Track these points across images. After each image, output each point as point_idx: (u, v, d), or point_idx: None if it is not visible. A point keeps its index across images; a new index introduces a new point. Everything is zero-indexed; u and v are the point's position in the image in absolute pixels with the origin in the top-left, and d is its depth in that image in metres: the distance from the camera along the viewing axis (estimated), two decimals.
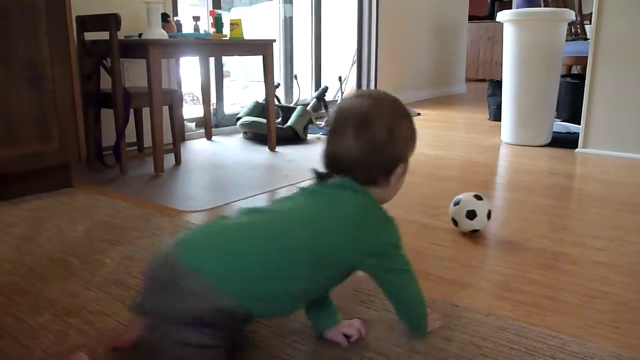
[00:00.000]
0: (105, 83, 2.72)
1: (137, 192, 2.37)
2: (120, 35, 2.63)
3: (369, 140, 1.03)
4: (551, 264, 1.63)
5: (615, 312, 1.33)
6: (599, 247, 1.76)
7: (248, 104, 3.78)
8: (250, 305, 0.93)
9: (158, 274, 0.96)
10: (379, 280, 1.08)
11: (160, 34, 2.65)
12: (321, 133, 3.83)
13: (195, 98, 4.49)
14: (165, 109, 2.84)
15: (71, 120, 2.30)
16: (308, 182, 1.12)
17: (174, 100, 2.84)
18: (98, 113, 2.81)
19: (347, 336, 1.15)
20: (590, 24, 3.16)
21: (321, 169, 1.09)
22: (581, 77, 3.75)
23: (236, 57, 4.93)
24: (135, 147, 3.05)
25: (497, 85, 4.24)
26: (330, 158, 1.07)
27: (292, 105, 3.85)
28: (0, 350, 1.13)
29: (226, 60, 4.88)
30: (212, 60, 3.77)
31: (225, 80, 4.86)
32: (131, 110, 2.90)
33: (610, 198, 2.32)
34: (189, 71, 3.73)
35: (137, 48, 2.64)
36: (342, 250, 1.00)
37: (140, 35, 2.74)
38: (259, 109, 3.65)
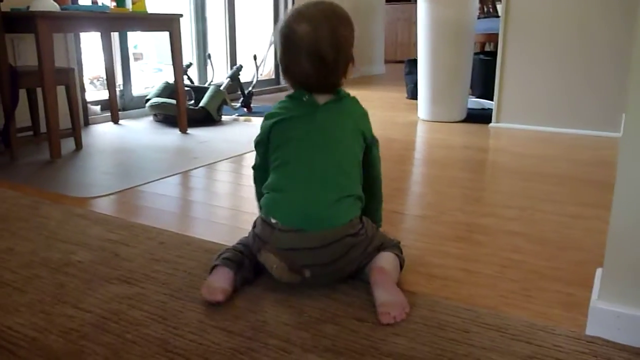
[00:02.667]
0: None
1: (28, 180, 2.15)
2: (6, 7, 2.38)
3: (337, 49, 1.19)
4: (465, 236, 1.59)
5: (527, 280, 1.30)
6: (511, 217, 1.74)
7: (158, 85, 3.57)
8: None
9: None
10: (372, 155, 1.34)
11: (51, 5, 2.41)
12: (236, 114, 3.68)
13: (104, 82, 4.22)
14: (63, 90, 2.62)
15: None
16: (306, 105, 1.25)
17: (70, 79, 2.61)
18: None
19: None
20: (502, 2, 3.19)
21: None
22: (494, 54, 3.80)
23: (149, 39, 4.68)
24: (31, 132, 2.79)
25: (413, 63, 4.23)
26: (309, 77, 1.22)
27: (205, 85, 3.68)
28: None
29: (138, 42, 4.62)
30: (117, 39, 3.53)
31: (138, 64, 4.61)
32: (23, 92, 2.66)
33: (522, 169, 2.34)
34: (97, 53, 3.47)
35: (25, 21, 2.39)
36: (366, 134, 1.31)
37: (28, 7, 2.48)
38: (169, 90, 3.45)
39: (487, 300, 1.20)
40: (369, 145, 1.32)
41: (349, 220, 1.18)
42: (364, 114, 1.32)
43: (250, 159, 2.51)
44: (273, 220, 1.17)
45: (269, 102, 4.25)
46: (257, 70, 4.07)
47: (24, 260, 1.37)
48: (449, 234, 1.60)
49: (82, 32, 3.04)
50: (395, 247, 1.29)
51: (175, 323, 1.07)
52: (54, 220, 1.66)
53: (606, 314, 1.03)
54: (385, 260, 1.22)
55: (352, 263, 1.20)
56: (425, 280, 1.30)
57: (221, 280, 1.17)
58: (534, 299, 1.21)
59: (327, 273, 1.18)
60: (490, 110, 3.36)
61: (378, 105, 4.23)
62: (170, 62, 3.04)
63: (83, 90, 3.26)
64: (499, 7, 4.36)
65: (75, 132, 2.69)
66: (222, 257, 1.22)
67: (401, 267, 1.26)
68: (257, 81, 4.11)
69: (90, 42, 3.54)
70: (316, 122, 1.23)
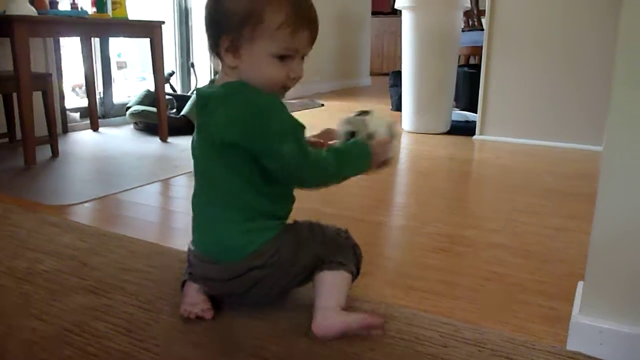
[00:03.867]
0: None
1: (1, 187, 2.09)
2: None
3: (207, 19, 1.04)
4: (447, 247, 1.56)
5: (509, 293, 1.27)
6: (494, 228, 1.72)
7: (139, 93, 3.52)
8: None
9: None
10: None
11: (28, 9, 2.36)
12: None
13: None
14: (40, 97, 2.56)
15: None
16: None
17: (48, 85, 2.55)
18: None
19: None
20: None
21: None
22: (478, 67, 3.80)
23: (133, 48, 4.63)
24: (7, 139, 2.73)
25: (398, 75, 4.22)
26: None
27: (188, 94, 3.64)
28: None
29: (122, 50, 4.57)
30: (98, 46, 3.48)
31: (122, 72, 4.55)
32: None
33: (505, 181, 2.32)
34: (79, 60, 3.41)
35: (1, 25, 2.34)
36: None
37: (4, 12, 2.43)
38: (150, 98, 3.40)
39: (467, 314, 1.17)
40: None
41: (253, 250, 1.02)
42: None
43: None
44: (191, 247, 1.11)
45: None
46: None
47: None
48: (430, 245, 1.57)
49: (60, 37, 3.00)
50: (338, 263, 1.07)
51: (141, 336, 1.02)
52: (24, 229, 1.61)
53: (588, 329, 0.99)
54: (325, 296, 1.04)
55: (272, 291, 1.07)
56: (403, 292, 1.27)
57: (194, 298, 1.09)
58: (516, 312, 1.18)
59: (249, 301, 1.10)
60: (474, 122, 3.35)
61: None
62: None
63: (62, 97, 3.20)
64: (483, 20, 4.38)
65: (52, 139, 2.63)
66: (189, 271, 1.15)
67: (354, 276, 1.10)
68: None
69: (72, 49, 3.49)
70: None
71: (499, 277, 1.35)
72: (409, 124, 3.47)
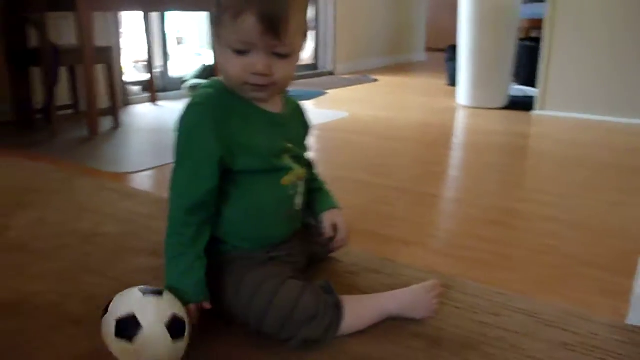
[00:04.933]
0: (34, 41, 2.51)
1: (65, 155, 2.18)
2: None
3: None
4: (499, 220, 1.53)
5: (564, 266, 1.24)
6: (549, 202, 1.67)
7: (195, 67, 3.58)
8: None
9: None
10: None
11: None
12: None
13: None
14: (103, 70, 2.64)
15: None
16: None
17: (110, 58, 2.63)
18: (26, 72, 2.60)
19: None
20: None
21: None
22: (539, 40, 3.66)
23: (191, 24, 4.70)
24: (72, 109, 2.84)
25: (455, 49, 4.13)
26: None
27: None
28: None
29: (180, 26, 4.65)
30: (157, 20, 3.56)
31: (180, 47, 4.64)
32: (64, 70, 2.71)
33: (563, 156, 2.25)
34: (139, 37, 3.50)
35: (66, 0, 2.42)
36: None
37: None
38: (207, 72, 3.46)
39: (520, 285, 1.15)
40: None
41: None
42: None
43: None
44: None
45: (308, 86, 4.22)
46: None
47: (53, 230, 1.38)
48: (483, 217, 1.55)
49: (121, 10, 3.07)
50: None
51: None
52: (86, 194, 1.68)
53: None
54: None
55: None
56: (455, 262, 1.26)
57: None
58: (571, 285, 1.15)
59: None
60: (533, 97, 3.24)
61: (417, 91, 4.14)
62: (210, 47, 3.04)
63: (122, 70, 3.29)
64: None
65: (114, 111, 2.72)
66: None
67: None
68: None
69: (131, 25, 3.58)
70: None
71: (554, 250, 1.32)
72: (465, 97, 3.39)
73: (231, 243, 0.96)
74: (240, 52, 0.85)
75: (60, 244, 1.30)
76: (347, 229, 1.13)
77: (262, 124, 0.95)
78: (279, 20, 0.82)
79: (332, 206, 1.14)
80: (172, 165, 0.91)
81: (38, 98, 2.63)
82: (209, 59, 3.55)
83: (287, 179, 0.98)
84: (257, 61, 0.85)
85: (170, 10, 3.04)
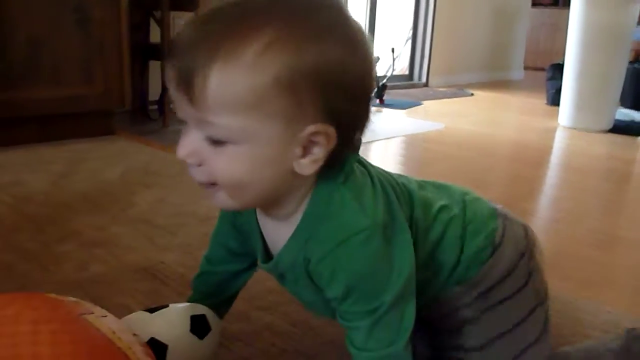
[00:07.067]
0: (156, 36, 2.70)
1: (175, 144, 2.34)
2: None
3: None
4: (602, 244, 1.50)
5: None
6: None
7: None
8: None
9: None
10: None
11: None
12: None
13: None
14: None
15: (117, 68, 2.28)
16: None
17: None
18: (146, 65, 2.80)
19: None
20: None
21: None
22: None
23: None
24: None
25: (557, 68, 4.03)
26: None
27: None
28: (23, 272, 1.11)
29: None
30: None
31: None
32: None
33: None
34: None
35: (188, 0, 2.59)
36: None
37: None
38: None
39: (628, 306, 1.13)
40: None
41: None
42: None
43: (380, 148, 2.54)
44: None
45: (402, 96, 4.25)
46: (393, 64, 4.08)
47: (174, 210, 1.50)
48: (584, 239, 1.53)
49: None
50: None
51: None
52: None
53: None
54: None
55: None
56: (559, 280, 1.25)
57: None
58: None
59: None
60: None
61: (515, 109, 4.08)
62: None
63: None
64: None
65: None
66: None
67: None
68: (391, 75, 4.13)
69: None
70: None
71: None
72: (567, 118, 3.31)
73: None
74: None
75: (180, 222, 1.41)
76: None
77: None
78: (192, 73, 0.53)
79: None
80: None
81: (153, 90, 2.82)
82: None
83: None
84: (182, 139, 0.59)
85: None
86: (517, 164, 2.45)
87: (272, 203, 0.63)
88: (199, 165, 0.59)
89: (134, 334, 0.59)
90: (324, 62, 0.54)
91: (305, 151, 0.57)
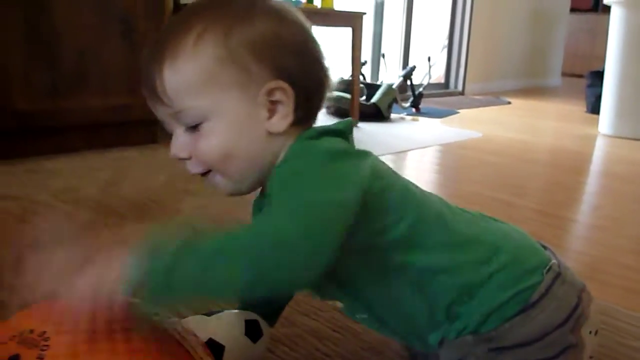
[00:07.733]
0: None
1: None
2: None
3: None
4: None
5: None
6: None
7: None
8: None
9: None
10: None
11: None
12: (405, 113, 3.74)
13: None
14: None
15: None
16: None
17: None
18: None
19: None
20: None
21: None
22: None
23: (325, 36, 4.90)
24: None
25: (597, 75, 3.97)
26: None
27: (377, 83, 3.79)
28: None
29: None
30: None
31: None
32: None
33: None
34: None
35: None
36: None
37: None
38: (343, 85, 3.60)
39: None
40: None
41: None
42: None
43: (416, 157, 2.55)
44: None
45: (438, 105, 4.25)
46: (429, 72, 4.09)
47: (218, 216, 1.55)
48: (629, 247, 1.51)
49: None
50: None
51: None
52: None
53: None
54: None
55: None
56: (599, 287, 1.25)
57: None
58: None
59: None
60: None
61: (553, 116, 4.03)
62: (345, 59, 3.18)
63: None
64: None
65: None
66: None
67: None
68: (428, 83, 4.13)
69: None
70: None
71: None
72: (607, 126, 3.26)
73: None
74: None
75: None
76: None
77: None
78: (153, 79, 0.62)
79: None
80: None
81: None
82: (345, 72, 3.70)
83: None
84: (173, 140, 0.66)
85: (317, 25, 3.21)
86: (556, 170, 2.43)
87: (267, 179, 0.66)
88: (190, 157, 0.65)
89: (195, 335, 0.62)
90: (254, 31, 0.62)
91: (271, 113, 0.63)
